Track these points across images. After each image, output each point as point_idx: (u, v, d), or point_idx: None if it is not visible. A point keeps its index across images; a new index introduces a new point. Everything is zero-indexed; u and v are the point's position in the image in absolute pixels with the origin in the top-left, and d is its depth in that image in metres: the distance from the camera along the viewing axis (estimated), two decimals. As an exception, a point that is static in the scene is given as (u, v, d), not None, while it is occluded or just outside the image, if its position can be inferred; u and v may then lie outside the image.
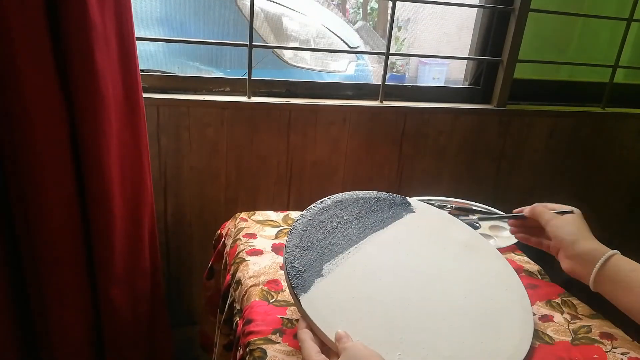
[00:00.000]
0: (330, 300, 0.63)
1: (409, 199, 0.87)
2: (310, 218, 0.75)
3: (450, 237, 0.82)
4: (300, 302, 0.62)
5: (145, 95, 1.03)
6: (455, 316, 0.67)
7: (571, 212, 0.79)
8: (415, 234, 0.81)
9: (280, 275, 0.79)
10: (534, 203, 0.84)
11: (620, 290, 0.66)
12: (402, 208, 0.85)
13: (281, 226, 0.96)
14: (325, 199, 0.80)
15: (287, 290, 0.73)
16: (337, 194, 0.83)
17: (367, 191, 0.86)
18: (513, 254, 0.94)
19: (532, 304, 0.78)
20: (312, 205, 0.79)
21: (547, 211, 0.80)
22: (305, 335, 0.59)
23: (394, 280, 0.70)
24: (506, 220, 0.93)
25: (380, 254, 0.74)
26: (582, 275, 0.71)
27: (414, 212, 0.85)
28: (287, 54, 1.92)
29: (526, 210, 0.84)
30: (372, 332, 0.61)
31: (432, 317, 0.66)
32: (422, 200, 1.12)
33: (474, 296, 0.72)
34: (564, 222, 0.76)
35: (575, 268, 0.72)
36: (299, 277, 0.64)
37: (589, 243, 0.72)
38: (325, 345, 0.59)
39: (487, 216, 1.03)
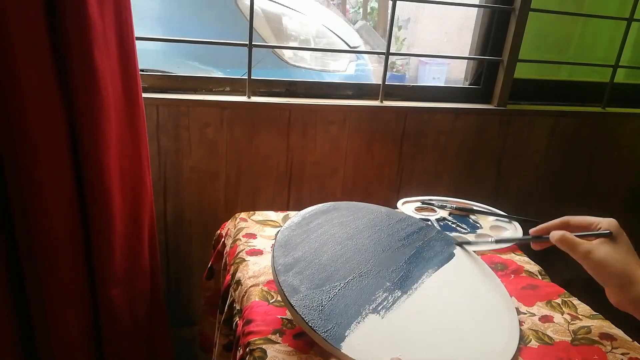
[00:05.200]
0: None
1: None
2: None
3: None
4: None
5: (144, 95, 1.03)
6: (447, 317, 0.68)
7: (609, 233, 0.62)
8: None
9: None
10: (560, 219, 0.69)
11: None
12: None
13: (281, 226, 0.96)
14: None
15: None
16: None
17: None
18: (513, 254, 0.94)
19: (532, 304, 0.78)
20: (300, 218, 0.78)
21: (579, 243, 0.63)
22: None
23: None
24: (527, 239, 0.76)
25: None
26: (635, 315, 0.61)
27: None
28: (287, 54, 1.92)
29: (553, 237, 0.67)
30: (374, 335, 0.61)
31: (426, 318, 0.66)
32: (423, 201, 1.12)
33: (461, 297, 0.73)
34: (605, 258, 0.60)
35: (628, 309, 0.62)
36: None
37: None
38: None
39: (510, 239, 0.90)
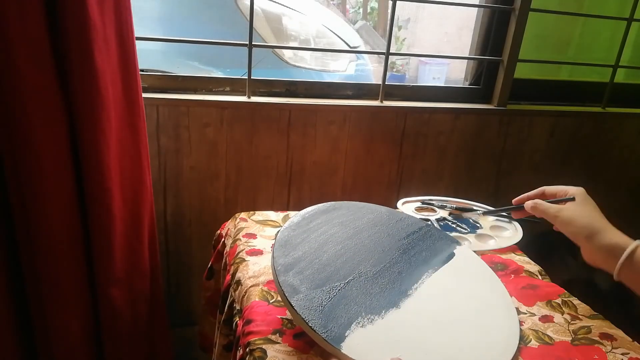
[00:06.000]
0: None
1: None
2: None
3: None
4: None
5: (144, 95, 1.03)
6: (447, 317, 0.68)
7: (573, 198, 0.74)
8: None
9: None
10: (537, 189, 0.82)
11: None
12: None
13: (281, 226, 0.96)
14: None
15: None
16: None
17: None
18: (513, 254, 0.94)
19: (532, 304, 0.78)
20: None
21: (549, 207, 0.75)
22: None
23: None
24: (509, 213, 0.91)
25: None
26: (604, 267, 0.68)
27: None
28: (287, 54, 1.92)
29: (527, 206, 0.80)
30: (374, 335, 0.61)
31: (426, 318, 0.66)
32: (423, 201, 1.12)
33: (461, 297, 0.73)
34: (571, 215, 0.71)
35: (597, 261, 0.68)
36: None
37: (607, 236, 0.67)
38: None
39: (490, 210, 1.05)
